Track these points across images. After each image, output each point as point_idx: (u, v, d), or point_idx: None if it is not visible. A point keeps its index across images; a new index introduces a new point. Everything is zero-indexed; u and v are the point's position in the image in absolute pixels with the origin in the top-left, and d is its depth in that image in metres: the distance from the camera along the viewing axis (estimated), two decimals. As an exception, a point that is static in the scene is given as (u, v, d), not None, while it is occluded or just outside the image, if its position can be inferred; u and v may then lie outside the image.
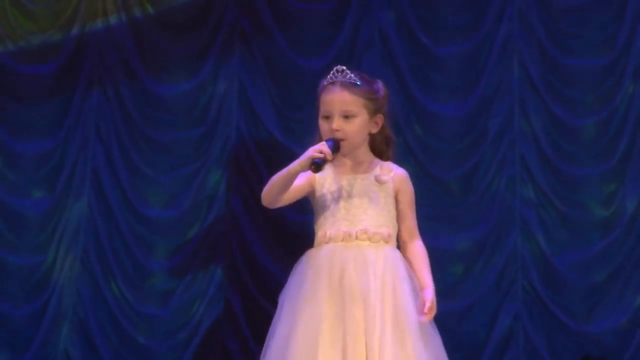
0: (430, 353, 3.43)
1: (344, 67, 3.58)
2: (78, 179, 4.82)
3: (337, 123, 3.53)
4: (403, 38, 4.79)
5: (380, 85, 3.64)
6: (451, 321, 4.58)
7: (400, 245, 3.62)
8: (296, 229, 4.65)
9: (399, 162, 4.64)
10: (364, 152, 3.63)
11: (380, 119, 3.61)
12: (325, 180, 3.60)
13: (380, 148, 3.66)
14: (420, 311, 3.41)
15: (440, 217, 4.66)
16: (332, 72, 3.58)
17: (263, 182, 4.66)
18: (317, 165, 3.43)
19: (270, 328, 3.54)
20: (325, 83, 3.59)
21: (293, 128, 4.78)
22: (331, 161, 3.50)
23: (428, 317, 3.43)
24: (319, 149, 3.44)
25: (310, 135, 4.62)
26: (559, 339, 4.54)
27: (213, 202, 4.77)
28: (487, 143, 4.67)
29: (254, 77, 4.84)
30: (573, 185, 4.62)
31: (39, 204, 4.81)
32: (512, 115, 4.68)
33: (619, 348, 4.51)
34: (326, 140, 3.51)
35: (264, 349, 3.53)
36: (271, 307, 4.52)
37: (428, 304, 3.43)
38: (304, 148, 4.54)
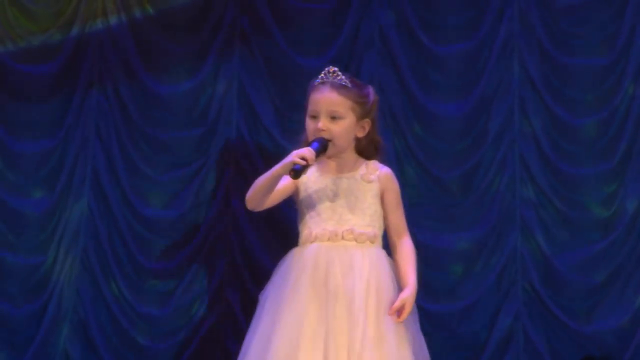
0: (410, 355, 3.43)
1: (336, 68, 3.59)
2: (78, 179, 4.82)
3: (323, 122, 3.53)
4: (403, 38, 4.78)
5: (370, 90, 3.64)
6: (451, 321, 4.59)
7: (389, 244, 3.62)
8: (296, 229, 4.65)
9: (400, 161, 4.67)
10: (349, 154, 3.62)
11: (367, 123, 3.60)
12: (309, 180, 3.60)
13: (367, 152, 3.66)
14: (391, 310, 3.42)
15: (441, 217, 4.66)
16: (323, 72, 3.59)
17: (263, 182, 4.69)
18: (296, 172, 3.41)
19: (251, 326, 3.54)
20: (315, 82, 3.60)
21: (293, 128, 4.77)
22: (313, 165, 3.49)
23: (397, 318, 3.42)
24: (302, 154, 3.43)
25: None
26: (559, 339, 4.54)
27: (213, 202, 4.77)
28: (487, 143, 4.67)
29: (254, 77, 4.84)
30: (573, 185, 4.62)
31: (39, 204, 4.81)
32: (512, 115, 4.68)
33: (619, 348, 4.51)
34: (312, 142, 3.51)
35: (243, 347, 3.53)
36: (271, 307, 4.54)
37: (397, 303, 3.42)
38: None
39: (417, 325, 3.52)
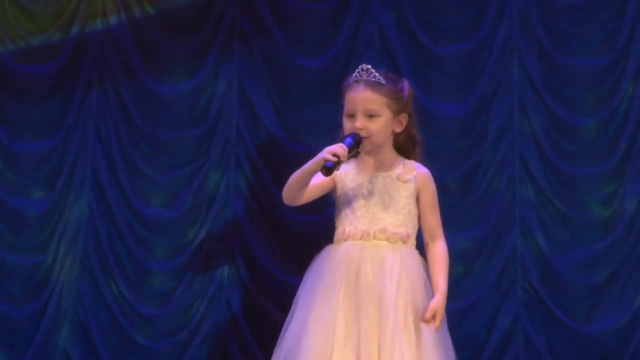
0: (438, 356, 3.43)
1: (369, 66, 3.58)
2: (78, 179, 4.82)
3: (360, 122, 3.52)
4: (403, 38, 4.78)
5: (405, 84, 3.63)
6: (451, 321, 4.54)
7: (423, 244, 3.62)
8: (296, 229, 4.65)
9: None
10: (387, 151, 3.62)
11: (404, 118, 3.60)
12: (347, 177, 3.60)
13: (405, 147, 3.66)
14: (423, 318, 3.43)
15: (440, 217, 4.65)
16: (357, 70, 3.58)
17: (263, 181, 4.70)
18: (327, 169, 3.41)
19: (285, 323, 3.55)
20: (350, 81, 3.59)
21: (293, 128, 4.78)
22: (346, 162, 3.50)
23: (431, 326, 3.43)
24: (334, 151, 3.42)
25: (310, 135, 4.66)
26: (559, 339, 4.54)
27: (213, 202, 4.77)
28: (487, 143, 4.67)
29: (254, 77, 4.83)
30: (573, 185, 4.62)
31: (39, 204, 4.81)
32: (512, 115, 4.68)
33: (619, 348, 4.51)
34: (346, 137, 3.50)
35: (277, 343, 3.53)
36: (271, 307, 4.54)
37: (427, 314, 3.44)
38: (304, 147, 4.57)
39: (445, 326, 3.53)
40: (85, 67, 4.88)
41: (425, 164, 3.70)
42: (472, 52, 4.75)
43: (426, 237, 3.62)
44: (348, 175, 3.60)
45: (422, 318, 3.43)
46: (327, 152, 3.43)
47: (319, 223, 4.39)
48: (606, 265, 4.55)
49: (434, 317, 3.45)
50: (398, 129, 3.60)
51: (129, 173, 4.81)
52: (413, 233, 3.58)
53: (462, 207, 4.66)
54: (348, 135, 3.51)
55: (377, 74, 3.56)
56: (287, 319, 3.54)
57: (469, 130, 4.70)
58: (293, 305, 3.55)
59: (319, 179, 3.57)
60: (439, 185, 4.63)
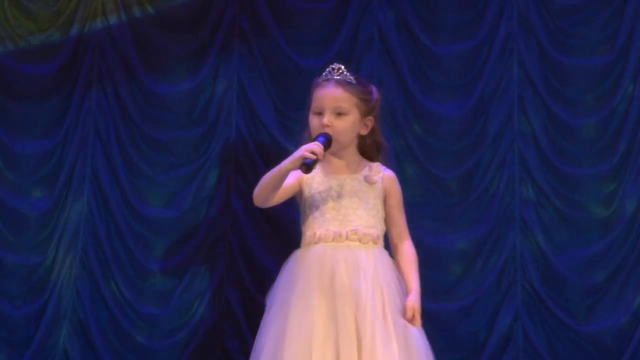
0: (415, 353, 3.45)
1: (341, 66, 3.61)
2: (77, 179, 4.82)
3: (328, 118, 3.56)
4: (402, 37, 4.78)
5: (374, 89, 3.69)
6: (451, 321, 4.59)
7: (390, 245, 3.64)
8: (296, 228, 4.64)
9: (399, 161, 4.67)
10: (353, 154, 3.65)
11: (370, 121, 3.63)
12: (314, 180, 3.62)
13: (370, 152, 3.69)
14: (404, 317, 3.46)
15: (440, 216, 4.66)
16: (327, 70, 3.62)
17: (262, 181, 4.69)
18: (307, 166, 3.44)
19: (260, 328, 3.55)
20: (319, 80, 3.63)
21: (292, 127, 4.78)
22: (322, 160, 3.52)
23: (415, 325, 3.46)
24: (311, 149, 3.46)
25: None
26: (559, 339, 4.54)
27: (213, 201, 4.77)
28: (487, 143, 4.67)
29: (253, 77, 4.84)
30: (573, 185, 4.62)
31: (38, 204, 4.81)
32: (511, 115, 4.68)
33: (618, 348, 4.51)
34: (318, 136, 3.53)
35: (253, 350, 3.53)
36: (270, 307, 4.54)
37: (408, 314, 3.46)
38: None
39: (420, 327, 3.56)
40: (85, 67, 4.88)
41: (389, 167, 3.74)
42: (472, 52, 4.75)
43: (394, 238, 3.66)
44: (315, 178, 3.62)
45: (403, 317, 3.46)
46: (305, 150, 3.45)
47: (318, 223, 4.39)
48: (606, 265, 4.55)
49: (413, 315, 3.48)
50: (363, 132, 3.63)
51: (128, 173, 4.82)
52: (382, 234, 3.62)
53: (461, 207, 4.66)
54: (319, 135, 3.53)
55: (347, 74, 3.60)
56: (261, 326, 3.54)
57: (469, 130, 4.70)
58: (266, 313, 3.55)
59: (287, 182, 3.59)
60: (438, 185, 4.67)
